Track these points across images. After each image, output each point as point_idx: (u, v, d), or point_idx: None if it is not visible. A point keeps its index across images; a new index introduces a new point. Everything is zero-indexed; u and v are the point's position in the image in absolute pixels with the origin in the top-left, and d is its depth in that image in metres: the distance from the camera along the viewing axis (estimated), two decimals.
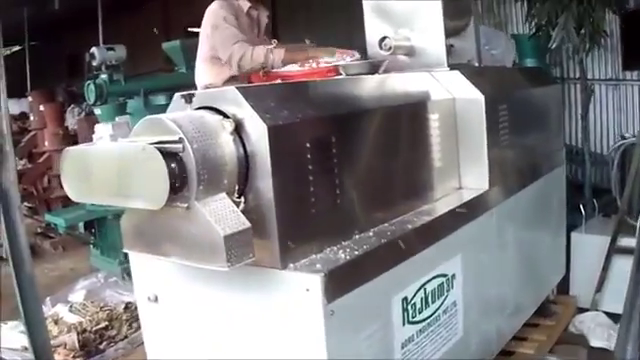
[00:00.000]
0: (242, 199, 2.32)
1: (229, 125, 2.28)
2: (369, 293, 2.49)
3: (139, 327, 4.70)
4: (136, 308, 4.84)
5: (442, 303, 2.97)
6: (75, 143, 6.93)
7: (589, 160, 5.10)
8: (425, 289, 2.84)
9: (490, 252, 3.37)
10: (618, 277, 4.20)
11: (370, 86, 3.02)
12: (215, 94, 2.43)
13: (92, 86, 5.79)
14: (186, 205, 2.19)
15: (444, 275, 2.97)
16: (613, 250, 4.20)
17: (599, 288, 4.30)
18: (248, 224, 2.22)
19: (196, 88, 5.68)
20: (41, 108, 7.99)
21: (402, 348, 2.73)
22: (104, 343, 4.59)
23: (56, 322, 4.69)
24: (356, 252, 2.47)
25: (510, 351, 3.73)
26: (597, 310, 4.33)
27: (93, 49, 5.83)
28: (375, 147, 2.78)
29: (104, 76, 5.84)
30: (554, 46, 4.78)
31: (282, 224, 2.31)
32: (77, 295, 5.23)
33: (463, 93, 3.28)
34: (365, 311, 2.51)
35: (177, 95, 2.51)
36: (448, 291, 3.01)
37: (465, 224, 3.10)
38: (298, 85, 2.81)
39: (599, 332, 4.09)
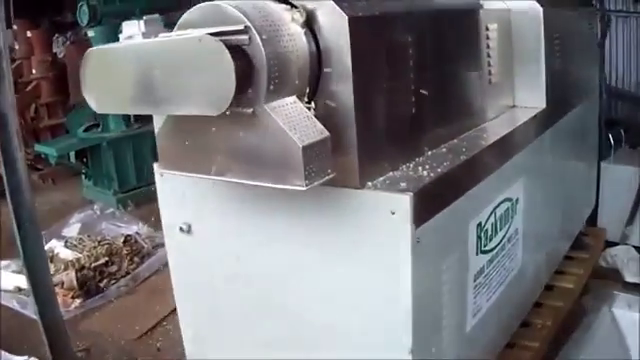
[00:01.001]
0: (312, 104, 1.84)
1: (299, 16, 1.79)
2: (451, 217, 2.07)
3: (141, 262, 4.30)
4: (136, 241, 4.42)
5: (507, 230, 2.57)
6: (64, 71, 6.35)
7: (605, 91, 4.67)
8: (495, 213, 2.44)
9: (544, 176, 2.99)
10: None
11: None
12: None
13: (85, 7, 5.18)
14: (251, 110, 1.71)
15: (509, 199, 2.57)
16: None
17: (630, 221, 3.91)
18: (327, 133, 1.75)
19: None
20: (28, 34, 7.28)
21: (474, 280, 2.33)
22: (104, 281, 4.14)
23: (51, 259, 4.19)
24: (438, 170, 2.01)
25: (551, 285, 3.34)
26: (627, 244, 3.94)
27: None
28: (443, 54, 2.33)
29: None
30: None
31: (361, 135, 1.85)
32: (72, 229, 4.72)
33: (519, 4, 2.82)
34: (446, 238, 2.10)
35: None
36: (512, 217, 2.61)
37: (527, 145, 2.68)
38: None
39: (632, 267, 3.76)
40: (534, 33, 2.81)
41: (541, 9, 2.78)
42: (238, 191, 2.07)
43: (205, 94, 1.65)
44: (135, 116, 5.47)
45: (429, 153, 2.20)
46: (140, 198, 5.37)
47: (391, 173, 2.00)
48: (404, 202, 1.81)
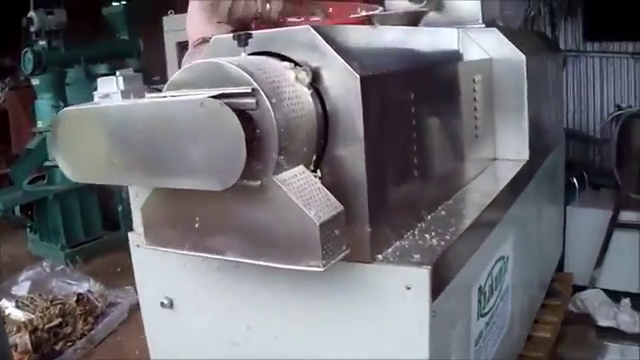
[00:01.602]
0: (318, 173, 1.64)
1: (305, 75, 1.60)
2: (458, 285, 1.89)
3: (95, 322, 4.00)
4: (89, 300, 4.11)
5: (500, 290, 2.40)
6: (5, 119, 5.99)
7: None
8: (492, 275, 2.28)
9: (527, 229, 2.86)
10: (618, 253, 3.73)
11: (423, 41, 2.36)
12: (281, 35, 1.71)
13: (29, 54, 4.86)
14: (258, 183, 1.49)
15: (502, 258, 2.42)
16: (614, 225, 3.71)
17: (599, 264, 3.81)
18: (341, 206, 1.55)
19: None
20: None
21: (475, 345, 2.15)
22: (60, 343, 3.80)
23: (2, 320, 3.82)
24: (446, 237, 1.83)
25: (529, 335, 3.21)
26: (595, 287, 3.84)
27: (31, 13, 4.89)
28: (438, 111, 2.17)
29: (43, 43, 4.91)
30: (532, 13, 4.25)
31: (372, 204, 1.65)
32: (21, 287, 4.36)
33: (502, 53, 2.68)
34: (455, 307, 1.92)
35: (217, 39, 1.79)
36: (504, 276, 2.44)
37: (516, 199, 2.53)
38: (362, 31, 2.08)
39: (605, 311, 3.63)
40: (517, 82, 2.68)
41: (524, 57, 2.65)
42: (231, 266, 1.85)
43: (209, 166, 1.44)
44: None
45: (429, 217, 2.02)
46: (89, 253, 5.06)
47: (397, 243, 1.81)
48: (422, 277, 1.62)
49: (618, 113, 3.99)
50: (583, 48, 5.05)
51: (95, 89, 2.51)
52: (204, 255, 1.64)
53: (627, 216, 3.72)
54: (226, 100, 1.43)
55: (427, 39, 2.46)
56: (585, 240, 3.89)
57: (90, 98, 4.89)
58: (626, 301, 3.66)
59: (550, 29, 4.74)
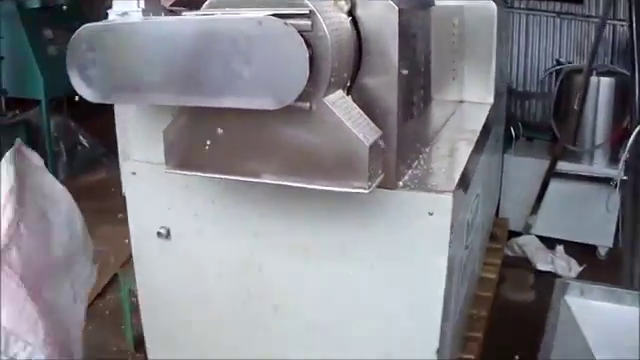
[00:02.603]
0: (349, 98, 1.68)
1: (344, 3, 1.63)
2: (461, 215, 2.00)
3: None
4: None
5: (474, 226, 2.53)
6: None
7: None
8: (472, 209, 2.40)
9: (486, 171, 3.00)
10: (554, 201, 3.97)
11: None
12: None
13: None
14: (308, 105, 1.52)
15: (478, 195, 2.56)
16: (551, 174, 3.94)
17: (535, 211, 4.04)
18: (379, 130, 1.61)
19: None
20: None
21: (461, 277, 2.28)
22: None
23: None
24: (455, 166, 1.95)
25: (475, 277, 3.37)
26: (530, 234, 4.08)
27: None
28: (430, 48, 2.22)
29: None
30: None
31: (400, 132, 1.71)
32: None
33: (473, 2, 2.81)
34: (459, 236, 2.01)
35: None
36: (477, 213, 2.58)
37: (488, 139, 2.67)
38: None
39: (542, 256, 3.87)
40: (487, 31, 2.82)
41: (496, 8, 2.77)
42: (236, 193, 1.89)
43: (264, 85, 1.45)
44: (6, 105, 4.99)
45: (427, 150, 2.11)
46: None
47: (410, 171, 1.89)
48: (446, 202, 1.71)
49: (558, 68, 4.20)
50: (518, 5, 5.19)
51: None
52: (238, 178, 1.65)
53: (563, 166, 3.95)
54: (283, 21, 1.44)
55: None
56: (519, 188, 4.10)
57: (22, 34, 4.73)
58: (560, 247, 3.92)
59: None
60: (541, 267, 3.82)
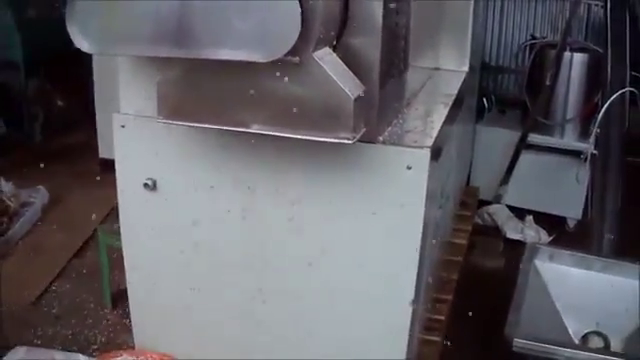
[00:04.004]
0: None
1: None
2: (436, 173, 2.09)
3: (10, 222, 3.97)
4: (1, 200, 4.05)
5: (445, 188, 2.67)
6: None
7: None
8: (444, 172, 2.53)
9: (458, 138, 3.12)
10: (524, 172, 4.12)
11: None
12: None
13: None
14: (297, 58, 1.62)
15: (450, 159, 2.69)
16: (522, 146, 4.09)
17: (506, 181, 4.19)
18: (363, 86, 1.72)
19: None
20: None
21: (433, 237, 2.40)
22: None
23: None
24: (432, 125, 2.08)
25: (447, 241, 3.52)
26: (500, 203, 4.22)
27: None
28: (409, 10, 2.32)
29: None
30: None
31: (381, 90, 1.83)
32: None
33: None
34: (433, 193, 2.13)
35: None
36: (448, 177, 2.74)
37: (461, 105, 2.79)
38: None
39: (512, 225, 4.02)
40: (464, 1, 2.92)
41: None
42: (223, 144, 2.01)
43: (257, 38, 1.55)
44: None
45: (405, 110, 2.23)
46: None
47: (390, 128, 2.01)
48: (423, 157, 1.84)
49: (532, 42, 4.32)
50: None
51: None
52: (228, 128, 1.76)
53: (535, 138, 4.10)
54: None
55: None
56: (491, 158, 4.24)
57: None
58: (530, 218, 4.07)
59: None
60: (511, 235, 3.95)
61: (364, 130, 1.72)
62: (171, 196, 2.17)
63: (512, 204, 4.21)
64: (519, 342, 2.40)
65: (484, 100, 4.31)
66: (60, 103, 5.70)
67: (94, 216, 3.66)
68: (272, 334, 2.21)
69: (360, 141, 1.77)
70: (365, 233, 1.96)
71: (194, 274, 2.26)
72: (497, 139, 4.25)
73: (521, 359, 2.50)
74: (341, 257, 2.01)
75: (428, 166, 1.84)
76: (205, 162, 2.07)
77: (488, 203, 4.28)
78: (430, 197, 1.96)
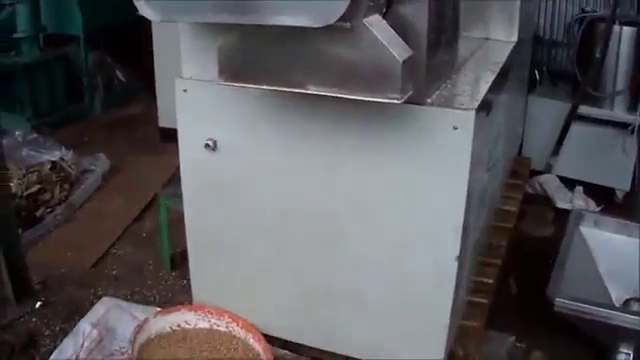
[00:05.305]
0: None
1: None
2: (482, 136, 2.25)
3: (70, 189, 4.17)
4: (63, 168, 4.26)
5: (495, 154, 2.77)
6: None
7: None
8: (495, 133, 2.65)
9: (508, 107, 3.21)
10: (574, 143, 4.18)
11: None
12: None
13: None
14: (348, 24, 1.76)
15: (499, 123, 2.79)
16: (572, 117, 4.16)
17: (556, 152, 4.26)
18: (411, 50, 1.85)
19: None
20: None
21: (482, 198, 2.52)
22: (40, 209, 3.94)
23: None
24: (479, 90, 2.20)
25: (497, 208, 3.61)
26: (551, 174, 4.30)
27: None
28: None
29: None
30: None
31: (429, 55, 1.96)
32: None
33: None
34: (480, 154, 2.25)
35: None
36: (497, 144, 2.83)
37: (510, 74, 2.89)
38: None
39: (562, 194, 4.10)
40: None
41: None
42: (282, 105, 2.17)
43: (313, 5, 1.68)
44: (45, 41, 5.26)
45: (454, 76, 2.35)
46: (54, 124, 5.17)
47: (438, 92, 2.13)
48: (469, 118, 1.96)
49: (582, 16, 4.37)
50: None
51: None
52: (285, 89, 1.91)
53: (585, 110, 4.16)
54: None
55: None
56: (542, 129, 4.32)
57: None
58: (579, 188, 4.15)
59: None
60: (560, 205, 4.03)
61: (412, 92, 1.84)
62: (231, 155, 2.35)
63: (562, 174, 4.28)
64: (560, 301, 2.52)
65: (536, 72, 4.37)
66: (120, 75, 5.92)
67: (154, 183, 3.81)
68: (328, 290, 2.40)
69: (410, 103, 1.92)
70: (415, 190, 2.10)
71: (253, 232, 2.43)
72: (548, 110, 4.32)
73: (563, 322, 2.62)
74: (393, 212, 2.17)
75: (473, 127, 1.96)
76: (263, 122, 2.24)
77: (539, 173, 4.36)
78: (476, 158, 2.08)
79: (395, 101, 1.77)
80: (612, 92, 4.11)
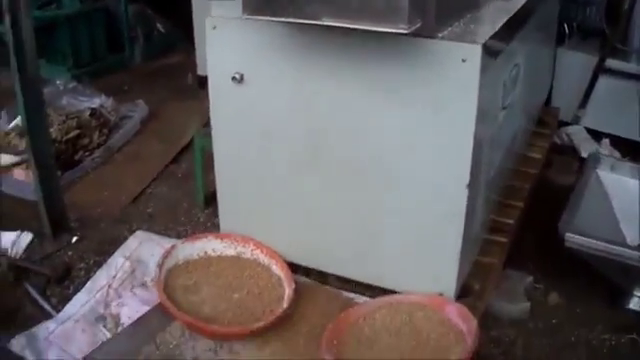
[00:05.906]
0: None
1: None
2: (494, 71, 2.36)
3: (109, 134, 4.35)
4: (102, 114, 4.46)
5: (513, 95, 2.86)
6: None
7: None
8: (511, 76, 2.74)
9: (533, 50, 3.30)
10: (602, 96, 4.24)
11: None
12: None
13: None
14: None
15: (517, 65, 2.86)
16: (600, 70, 4.22)
17: (584, 104, 4.34)
18: None
19: None
20: None
21: (497, 134, 2.64)
22: (79, 153, 4.13)
23: (21, 135, 4.09)
24: (487, 28, 2.29)
25: (522, 154, 3.71)
26: (578, 125, 4.38)
27: None
28: None
29: None
30: None
31: None
32: None
33: None
34: (490, 89, 2.37)
35: None
36: (517, 83, 2.90)
37: (528, 19, 2.96)
38: None
39: (588, 145, 4.18)
40: None
41: None
42: (302, 39, 2.32)
43: None
44: None
45: (469, 16, 2.46)
46: (95, 74, 5.36)
47: (450, 28, 2.25)
48: (476, 51, 2.08)
49: None
50: None
51: None
52: (302, 21, 2.05)
53: (612, 64, 4.22)
54: None
55: None
56: (571, 81, 4.38)
57: None
58: (606, 140, 4.23)
59: None
60: (586, 155, 4.10)
61: (420, 24, 1.96)
62: (257, 87, 2.52)
63: (590, 127, 4.35)
64: (571, 237, 2.61)
65: (565, 26, 4.43)
66: (160, 26, 6.08)
67: (191, 127, 3.95)
68: (346, 218, 2.56)
69: (421, 36, 2.07)
70: (426, 120, 2.24)
71: (277, 162, 2.61)
72: (577, 63, 4.38)
73: (581, 266, 2.74)
74: (406, 141, 2.32)
75: (480, 59, 2.08)
76: (288, 55, 2.39)
77: (568, 124, 4.44)
78: (486, 91, 2.20)
79: (402, 31, 1.90)
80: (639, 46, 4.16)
